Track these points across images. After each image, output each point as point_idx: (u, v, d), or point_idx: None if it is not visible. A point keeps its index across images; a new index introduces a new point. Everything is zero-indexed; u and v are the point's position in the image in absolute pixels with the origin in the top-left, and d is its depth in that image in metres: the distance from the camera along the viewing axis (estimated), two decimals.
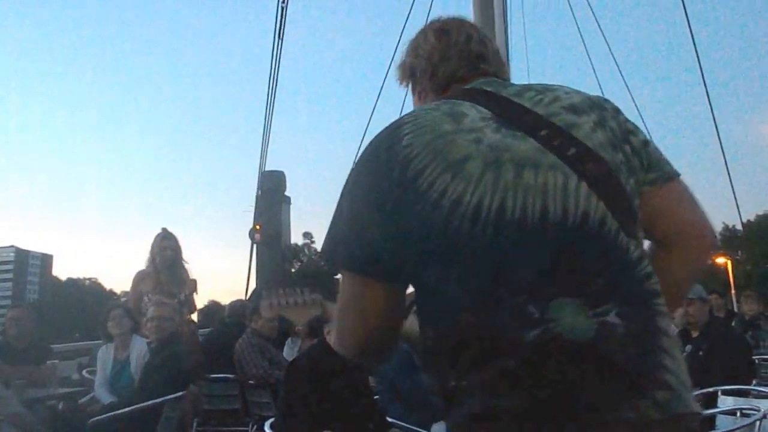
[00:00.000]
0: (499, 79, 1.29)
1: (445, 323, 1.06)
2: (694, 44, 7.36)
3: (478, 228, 1.01)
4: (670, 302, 1.14)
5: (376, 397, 3.78)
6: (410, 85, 1.42)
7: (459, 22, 1.38)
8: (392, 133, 1.13)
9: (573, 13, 8.54)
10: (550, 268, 1.01)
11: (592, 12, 8.54)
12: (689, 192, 1.24)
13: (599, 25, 8.63)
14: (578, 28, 8.65)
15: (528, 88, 1.22)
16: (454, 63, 1.32)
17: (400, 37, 7.80)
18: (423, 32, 1.39)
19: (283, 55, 7.55)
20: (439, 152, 1.06)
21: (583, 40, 8.80)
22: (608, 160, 1.10)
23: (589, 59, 8.83)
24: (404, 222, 1.06)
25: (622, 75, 9.01)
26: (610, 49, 8.74)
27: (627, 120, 1.22)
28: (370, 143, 1.16)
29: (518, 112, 1.14)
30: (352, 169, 1.18)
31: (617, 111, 1.22)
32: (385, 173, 1.09)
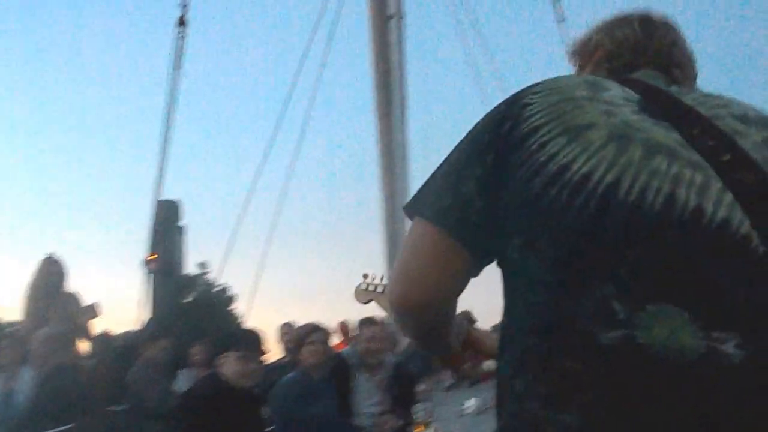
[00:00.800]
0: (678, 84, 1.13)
1: (517, 307, 0.95)
2: None
3: (580, 200, 0.88)
4: None
5: (270, 429, 3.83)
6: (575, 64, 1.29)
7: (668, 23, 1.22)
8: (522, 90, 1.03)
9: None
10: (659, 268, 0.85)
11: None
12: None
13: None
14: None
15: (694, 90, 1.11)
16: (648, 53, 1.17)
17: (300, 68, 8.02)
18: (626, 17, 1.23)
19: (183, 83, 7.52)
20: (561, 114, 0.95)
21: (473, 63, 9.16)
22: None
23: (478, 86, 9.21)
24: (503, 182, 0.95)
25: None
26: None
27: None
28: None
29: (672, 105, 1.00)
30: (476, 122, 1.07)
31: None
32: (496, 125, 0.99)
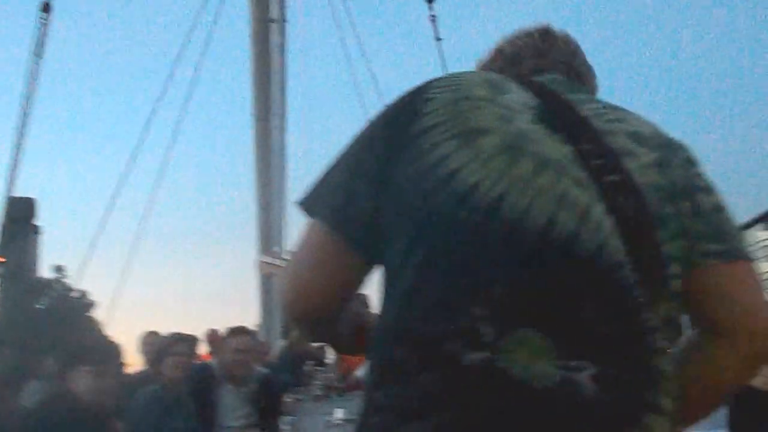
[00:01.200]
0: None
1: (389, 315, 0.92)
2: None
3: (463, 211, 0.86)
4: (706, 401, 1.02)
5: None
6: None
7: (567, 36, 1.22)
8: (426, 83, 1.00)
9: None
10: (530, 291, 0.84)
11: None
12: (758, 278, 1.02)
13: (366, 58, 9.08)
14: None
15: (596, 100, 1.08)
16: (548, 59, 1.15)
17: (174, 67, 7.72)
18: (524, 30, 1.22)
19: (47, 74, 7.02)
20: (457, 114, 0.92)
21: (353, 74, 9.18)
22: (653, 205, 0.92)
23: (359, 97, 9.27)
24: (393, 179, 0.93)
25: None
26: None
27: (702, 176, 1.02)
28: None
29: (568, 116, 0.98)
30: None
31: (692, 162, 1.03)
32: (393, 118, 0.97)
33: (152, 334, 5.60)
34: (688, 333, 1.01)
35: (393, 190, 0.92)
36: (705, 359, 0.98)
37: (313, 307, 1.00)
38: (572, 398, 0.81)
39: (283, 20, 8.27)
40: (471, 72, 1.08)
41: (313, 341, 1.47)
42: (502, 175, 0.87)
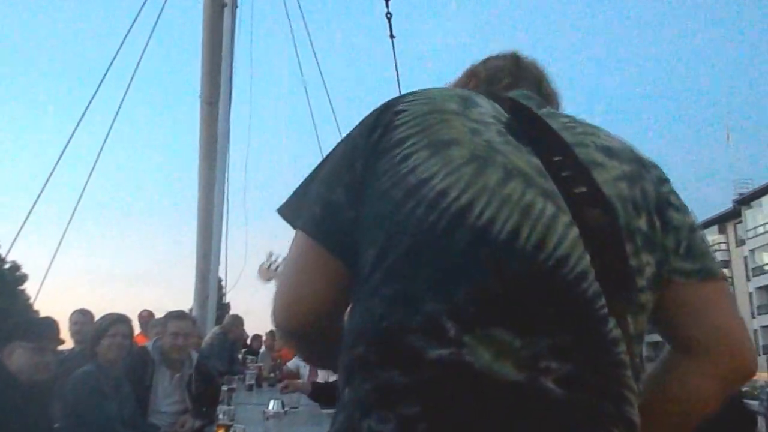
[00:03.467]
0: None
1: (355, 315, 0.93)
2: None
3: (432, 217, 0.88)
4: (681, 422, 1.01)
5: (57, 425, 3.58)
6: None
7: (540, 66, 1.26)
8: (398, 98, 1.03)
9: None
10: (493, 295, 0.85)
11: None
12: (732, 298, 1.05)
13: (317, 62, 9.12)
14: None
15: (566, 115, 1.09)
16: (514, 79, 1.20)
17: (120, 46, 7.54)
18: (495, 54, 1.28)
19: None
20: (428, 126, 0.95)
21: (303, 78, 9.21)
22: (621, 218, 0.92)
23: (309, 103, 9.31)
24: (368, 190, 0.95)
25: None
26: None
27: (674, 193, 1.03)
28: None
29: (538, 128, 1.00)
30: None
31: (663, 180, 1.03)
32: (368, 131, 0.99)
33: (81, 313, 5.48)
34: (663, 352, 1.01)
35: (367, 201, 0.94)
36: (679, 378, 0.99)
37: (301, 317, 0.99)
38: (538, 395, 0.82)
39: (234, 5, 8.21)
40: (442, 87, 1.10)
41: (305, 358, 1.31)
42: (470, 184, 0.89)
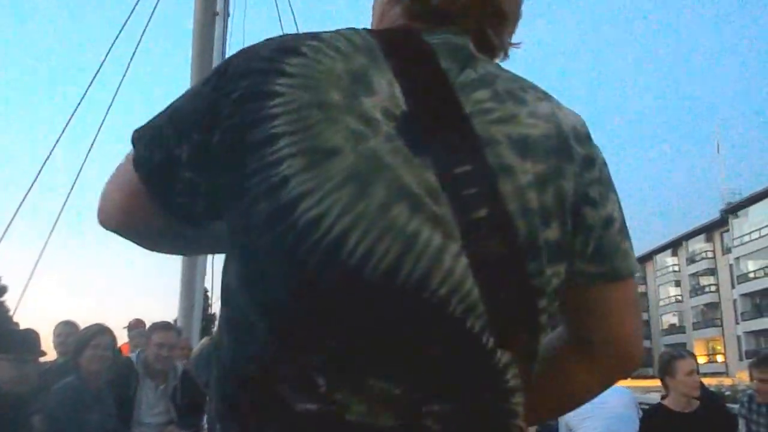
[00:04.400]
0: (479, 47, 0.94)
1: (225, 344, 0.85)
2: None
3: (301, 250, 0.77)
4: (554, 409, 1.07)
5: None
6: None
7: None
8: (286, 50, 0.85)
9: None
10: (369, 341, 0.77)
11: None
12: (634, 299, 0.99)
13: None
14: None
15: (488, 83, 0.89)
16: (455, 6, 0.93)
17: (108, 53, 7.52)
18: None
19: None
20: (307, 126, 0.79)
21: None
22: (522, 238, 0.82)
23: None
24: (224, 175, 0.83)
25: None
26: None
27: (598, 181, 0.92)
28: (268, 39, 0.90)
29: (449, 123, 0.84)
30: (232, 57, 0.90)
31: (590, 164, 0.91)
32: (237, 101, 0.83)
33: (65, 324, 5.45)
34: (548, 341, 0.95)
35: (225, 188, 0.83)
36: (568, 372, 0.98)
37: (110, 226, 0.99)
38: None
39: (226, 14, 8.23)
40: (337, 50, 0.86)
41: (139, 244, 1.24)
42: (346, 210, 0.76)
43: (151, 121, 0.94)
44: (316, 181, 0.77)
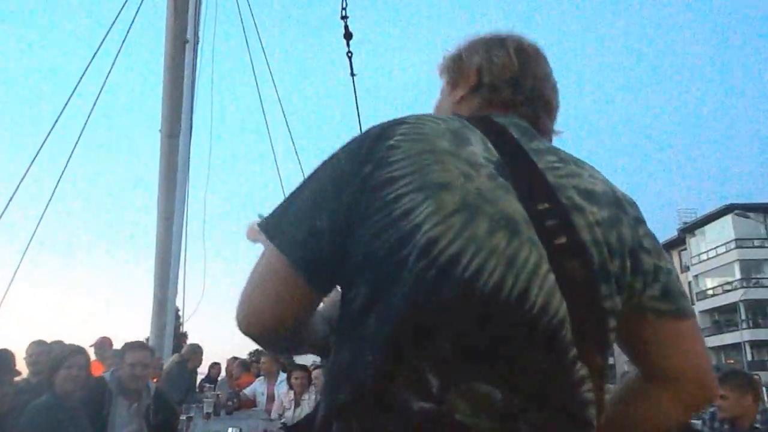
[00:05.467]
0: (534, 129, 1.14)
1: (343, 354, 0.95)
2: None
3: (421, 266, 0.89)
4: None
5: None
6: (448, 81, 1.25)
7: (538, 52, 1.23)
8: (388, 127, 1.01)
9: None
10: (476, 347, 0.89)
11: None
12: (701, 335, 1.13)
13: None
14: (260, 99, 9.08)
15: (553, 151, 1.08)
16: (524, 91, 1.17)
17: (81, 78, 7.60)
18: (501, 41, 1.21)
19: None
20: (422, 167, 0.94)
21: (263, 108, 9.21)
22: (596, 264, 0.96)
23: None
24: (356, 225, 0.95)
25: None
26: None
27: (648, 236, 1.08)
28: (368, 128, 1.04)
29: (526, 170, 1.01)
30: (340, 147, 1.04)
31: (639, 221, 1.08)
32: (358, 164, 0.97)
33: (38, 344, 5.49)
34: (628, 375, 1.10)
35: (357, 236, 0.94)
36: (650, 403, 1.09)
37: (260, 327, 1.02)
38: None
39: (196, 42, 8.36)
40: (433, 119, 1.04)
41: (278, 353, 1.35)
42: (459, 234, 0.90)
43: (276, 211, 1.04)
44: (432, 209, 0.91)
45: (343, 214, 0.96)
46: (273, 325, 1.02)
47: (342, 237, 0.96)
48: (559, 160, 1.05)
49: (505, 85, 1.16)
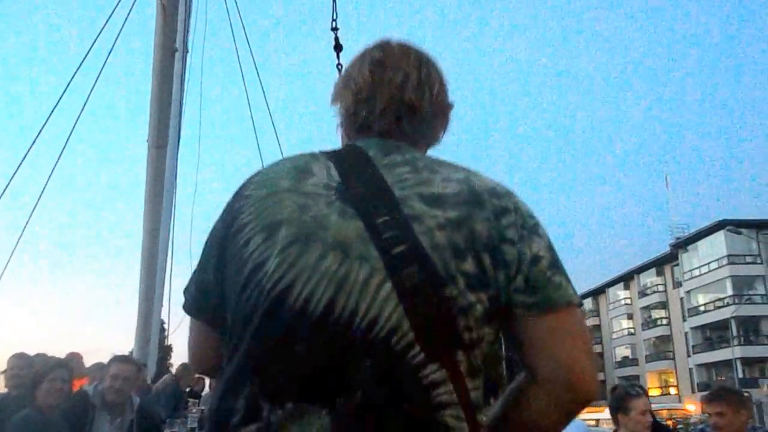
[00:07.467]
0: (401, 139, 1.17)
1: (212, 403, 1.05)
2: None
3: (261, 301, 0.98)
4: None
5: None
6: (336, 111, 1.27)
7: (402, 54, 1.21)
8: (246, 181, 1.14)
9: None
10: (307, 371, 0.93)
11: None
12: (576, 328, 1.03)
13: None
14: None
15: (409, 162, 1.10)
16: (377, 107, 1.17)
17: (68, 85, 7.55)
18: (362, 57, 1.23)
19: None
20: (263, 210, 1.05)
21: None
22: (438, 267, 0.96)
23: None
24: (226, 272, 1.07)
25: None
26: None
27: (513, 226, 1.04)
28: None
29: (372, 189, 1.05)
30: None
31: (504, 212, 1.05)
32: (225, 219, 1.12)
33: (19, 357, 5.40)
34: (518, 375, 1.04)
35: (226, 283, 1.08)
36: (525, 403, 1.02)
37: (201, 370, 1.28)
38: None
39: (185, 51, 8.33)
40: (282, 162, 1.15)
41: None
42: (294, 264, 0.97)
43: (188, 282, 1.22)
44: (271, 247, 1.00)
45: (221, 267, 1.10)
46: (203, 366, 1.28)
47: (221, 287, 1.10)
48: (412, 170, 1.08)
49: (361, 107, 1.19)
